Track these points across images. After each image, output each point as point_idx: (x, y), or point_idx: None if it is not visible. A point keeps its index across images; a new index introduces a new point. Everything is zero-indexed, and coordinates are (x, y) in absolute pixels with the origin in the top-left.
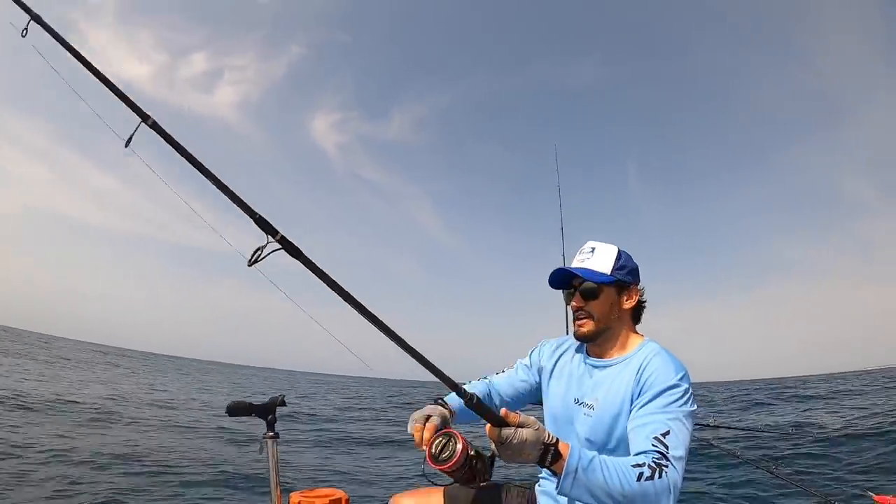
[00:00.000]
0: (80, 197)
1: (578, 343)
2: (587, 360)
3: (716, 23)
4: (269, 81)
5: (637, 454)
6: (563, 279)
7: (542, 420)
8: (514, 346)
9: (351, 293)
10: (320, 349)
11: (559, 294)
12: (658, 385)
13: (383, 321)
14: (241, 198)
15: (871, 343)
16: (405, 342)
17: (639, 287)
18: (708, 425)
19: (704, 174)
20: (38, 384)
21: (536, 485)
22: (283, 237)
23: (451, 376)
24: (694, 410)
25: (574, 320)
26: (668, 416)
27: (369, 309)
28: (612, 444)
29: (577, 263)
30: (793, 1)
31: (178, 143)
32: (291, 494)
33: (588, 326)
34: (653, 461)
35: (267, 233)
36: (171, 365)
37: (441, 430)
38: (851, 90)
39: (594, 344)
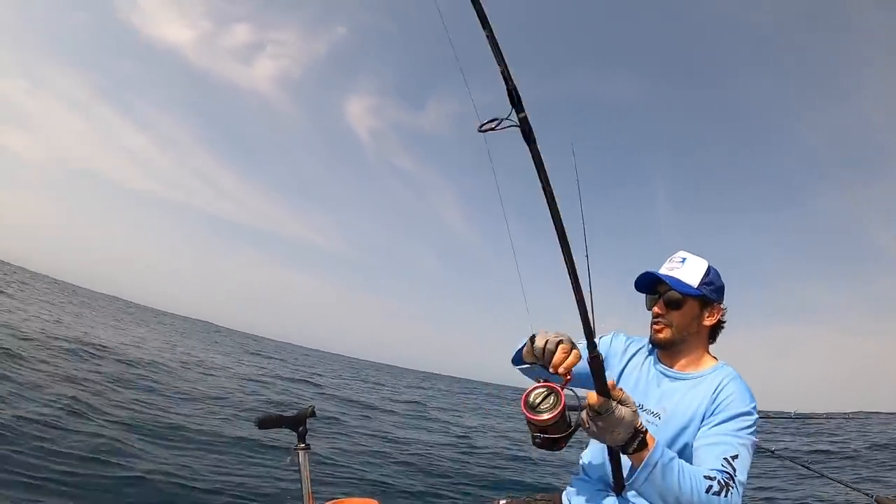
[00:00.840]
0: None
1: (651, 347)
2: (658, 367)
3: (762, 56)
4: (309, 59)
5: (708, 469)
6: (650, 283)
7: None
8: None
9: (559, 213)
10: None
11: (566, 304)
12: (734, 408)
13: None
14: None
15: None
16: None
17: (722, 306)
18: (771, 452)
19: (734, 208)
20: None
21: (564, 493)
22: (526, 118)
23: (455, 370)
24: (756, 441)
25: (651, 324)
26: (739, 440)
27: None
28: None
29: (665, 271)
30: (840, 45)
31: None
32: None
33: (665, 333)
34: (722, 479)
35: (514, 106)
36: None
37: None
38: (889, 141)
39: (667, 353)
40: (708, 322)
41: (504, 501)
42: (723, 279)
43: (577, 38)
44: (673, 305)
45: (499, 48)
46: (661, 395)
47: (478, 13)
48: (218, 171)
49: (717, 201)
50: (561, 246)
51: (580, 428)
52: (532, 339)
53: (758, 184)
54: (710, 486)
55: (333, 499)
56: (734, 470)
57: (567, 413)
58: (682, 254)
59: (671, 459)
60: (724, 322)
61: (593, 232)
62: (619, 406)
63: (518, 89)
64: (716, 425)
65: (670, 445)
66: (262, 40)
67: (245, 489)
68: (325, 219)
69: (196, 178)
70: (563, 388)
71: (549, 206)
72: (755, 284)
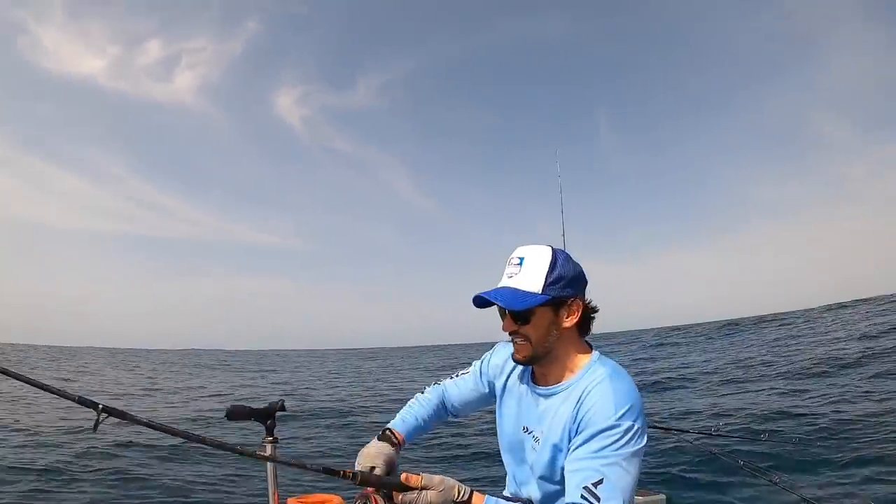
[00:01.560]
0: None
1: None
2: (531, 386)
3: None
4: (227, 61)
5: None
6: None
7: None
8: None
9: None
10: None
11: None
12: (594, 425)
13: None
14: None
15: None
16: None
17: (581, 299)
18: (711, 433)
19: (670, 119)
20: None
21: None
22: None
23: (432, 342)
24: (640, 448)
25: (512, 342)
26: (603, 461)
27: None
28: (557, 478)
29: (504, 279)
30: None
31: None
32: (288, 500)
33: (525, 351)
34: None
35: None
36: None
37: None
38: (822, 29)
39: (538, 366)
40: (568, 323)
41: None
42: (574, 260)
43: None
44: (521, 320)
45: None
46: (539, 416)
47: None
48: (159, 194)
49: (653, 119)
50: None
51: None
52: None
53: (695, 92)
54: None
55: (297, 495)
56: (598, 499)
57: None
58: (519, 252)
59: None
60: (595, 309)
61: (542, 173)
62: (423, 492)
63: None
64: (577, 447)
65: (552, 469)
66: (177, 52)
67: (209, 485)
68: (278, 218)
69: (138, 206)
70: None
71: None
72: (711, 193)
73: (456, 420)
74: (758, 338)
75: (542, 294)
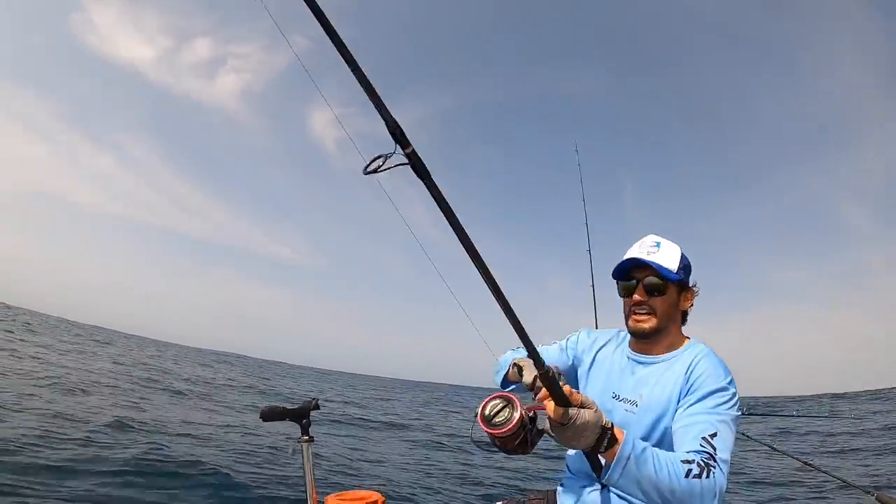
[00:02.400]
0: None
1: (621, 338)
2: (631, 356)
3: (721, 41)
4: (271, 72)
5: (686, 452)
6: (625, 270)
7: None
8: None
9: (470, 239)
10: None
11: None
12: (708, 385)
13: (493, 275)
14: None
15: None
16: (508, 304)
17: (695, 289)
18: (772, 448)
19: (698, 192)
20: None
21: (558, 488)
22: (414, 151)
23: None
24: (739, 416)
25: (631, 314)
26: (717, 417)
27: (485, 261)
28: (654, 442)
29: (641, 255)
30: (800, 26)
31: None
32: (327, 498)
33: (650, 322)
34: (702, 460)
35: (398, 142)
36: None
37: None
38: (853, 118)
39: (645, 341)
40: (685, 306)
41: (500, 503)
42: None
43: (538, 35)
44: (655, 291)
45: (368, 82)
46: (636, 382)
47: (337, 45)
48: (185, 189)
49: (680, 188)
50: (481, 273)
51: (545, 435)
52: (519, 369)
53: (723, 165)
54: (690, 470)
55: (338, 492)
56: (714, 449)
57: (527, 422)
58: (653, 238)
59: (643, 450)
60: (692, 305)
61: (562, 225)
62: (581, 411)
63: (400, 124)
64: (691, 405)
65: (651, 431)
66: (224, 54)
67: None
68: (296, 232)
69: (163, 198)
70: (522, 403)
71: (458, 237)
72: (728, 269)
73: None
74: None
75: (676, 273)
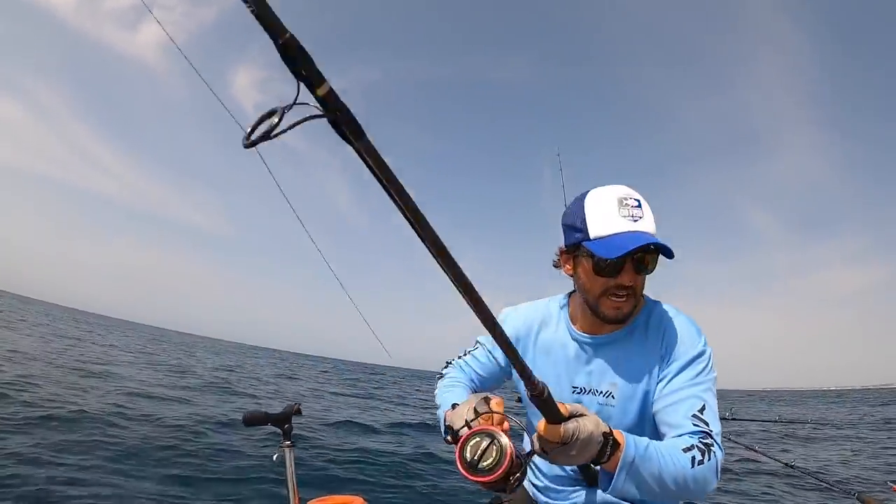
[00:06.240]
0: None
1: (556, 315)
2: (579, 337)
3: (654, 44)
4: (196, 27)
5: (679, 436)
6: (630, 250)
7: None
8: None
9: (418, 208)
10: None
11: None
12: (686, 353)
13: (451, 255)
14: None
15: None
16: (476, 294)
17: None
18: (752, 449)
19: (613, 178)
20: None
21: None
22: (332, 96)
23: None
24: (716, 375)
25: (607, 297)
26: (701, 387)
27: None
28: (641, 431)
29: (628, 223)
30: (734, 41)
31: None
32: (309, 502)
33: (629, 306)
34: (700, 442)
35: (305, 82)
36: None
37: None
38: (769, 130)
39: (597, 319)
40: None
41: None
42: None
43: (473, 20)
44: (644, 270)
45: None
46: (601, 369)
47: None
48: (96, 144)
49: (593, 172)
50: (434, 254)
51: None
52: (450, 430)
53: (638, 167)
54: (693, 458)
55: (320, 496)
56: (707, 424)
57: (518, 453)
58: (631, 192)
59: (645, 448)
60: None
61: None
62: (580, 422)
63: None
64: (671, 379)
65: (640, 421)
66: (148, 2)
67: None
68: (209, 197)
69: (73, 152)
70: (501, 428)
71: (402, 209)
72: None
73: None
74: None
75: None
